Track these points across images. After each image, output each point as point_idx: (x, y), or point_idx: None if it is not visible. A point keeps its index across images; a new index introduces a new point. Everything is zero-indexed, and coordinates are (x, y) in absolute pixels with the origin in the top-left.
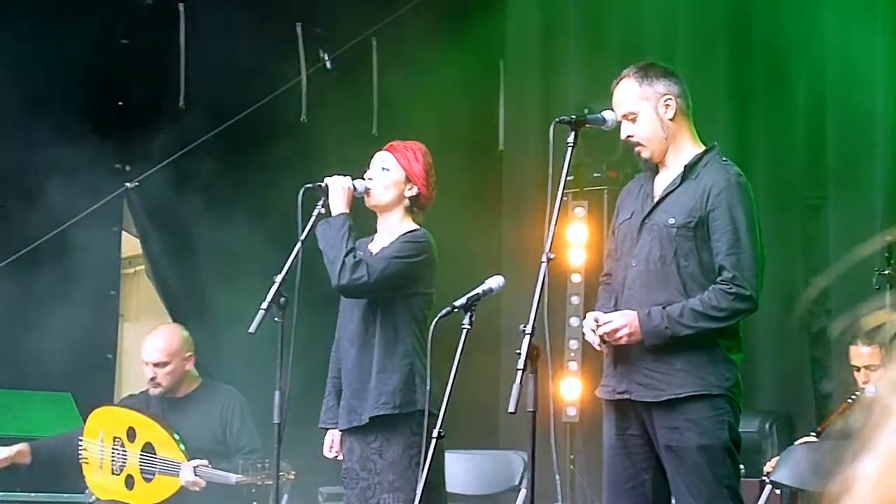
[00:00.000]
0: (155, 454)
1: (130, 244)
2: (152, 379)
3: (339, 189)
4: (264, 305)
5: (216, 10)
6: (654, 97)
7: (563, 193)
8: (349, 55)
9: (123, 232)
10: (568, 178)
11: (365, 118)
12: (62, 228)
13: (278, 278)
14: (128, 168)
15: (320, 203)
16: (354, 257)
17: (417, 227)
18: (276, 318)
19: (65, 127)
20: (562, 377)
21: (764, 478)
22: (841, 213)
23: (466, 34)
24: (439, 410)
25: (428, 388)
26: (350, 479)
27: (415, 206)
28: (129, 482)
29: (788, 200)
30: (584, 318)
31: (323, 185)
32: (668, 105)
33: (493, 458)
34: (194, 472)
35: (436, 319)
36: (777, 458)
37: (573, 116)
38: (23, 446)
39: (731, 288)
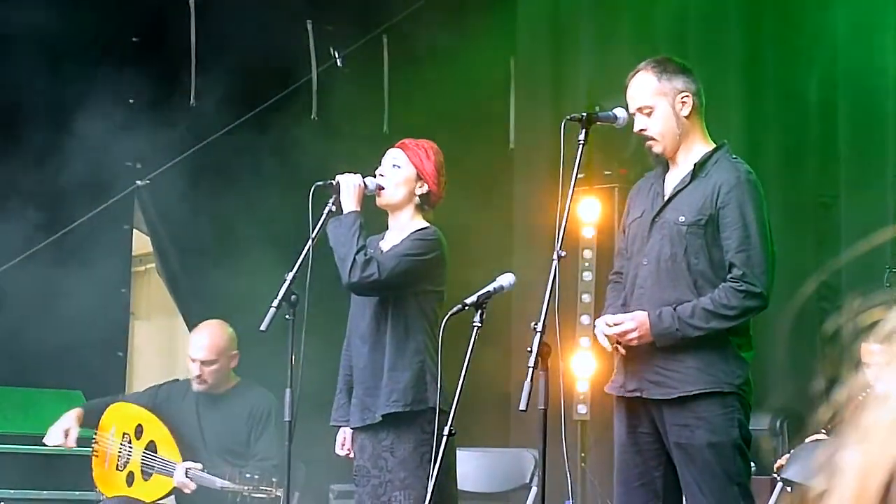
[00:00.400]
0: (156, 453)
1: (141, 242)
2: (198, 376)
3: (350, 187)
4: (275, 303)
5: (227, 8)
6: (671, 93)
7: (573, 191)
8: (360, 53)
9: (134, 230)
10: (579, 176)
11: (376, 116)
12: (73, 226)
13: (289, 276)
14: (139, 166)
15: (331, 201)
16: (365, 255)
17: (428, 224)
18: (287, 316)
19: (75, 125)
20: (572, 375)
21: (775, 475)
22: (853, 210)
23: (477, 31)
24: (450, 408)
25: (439, 385)
26: (361, 477)
27: (425, 204)
28: (130, 479)
29: (800, 198)
30: (596, 316)
31: (334, 182)
32: (684, 102)
33: (504, 456)
34: (186, 473)
35: (447, 317)
36: (788, 455)
37: (584, 114)
38: (77, 411)
39: (741, 286)
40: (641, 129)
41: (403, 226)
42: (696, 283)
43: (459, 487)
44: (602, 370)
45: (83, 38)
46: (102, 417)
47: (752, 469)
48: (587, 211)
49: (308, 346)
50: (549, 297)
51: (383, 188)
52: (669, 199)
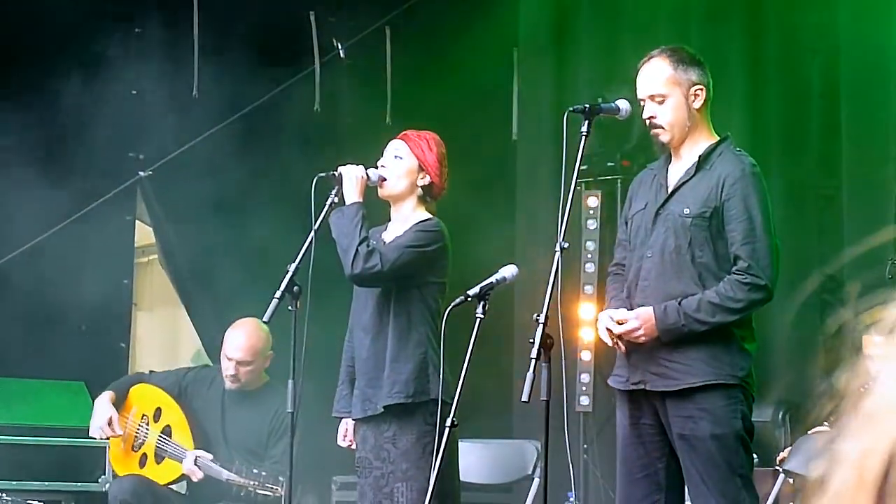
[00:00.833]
0: (170, 437)
1: (144, 233)
2: (233, 375)
3: (352, 178)
4: (278, 294)
5: None
6: (685, 84)
7: (576, 183)
8: (363, 44)
9: (137, 221)
10: (581, 168)
11: (379, 107)
12: (76, 217)
13: (291, 267)
14: (141, 157)
15: (334, 192)
16: (368, 246)
17: (431, 216)
18: (289, 307)
19: (78, 115)
20: (575, 366)
21: (777, 467)
22: (855, 203)
23: (480, 23)
24: (453, 399)
25: (441, 376)
26: (364, 469)
27: (428, 196)
28: (143, 460)
29: (802, 190)
30: (599, 308)
31: (336, 174)
32: (697, 94)
33: (507, 447)
34: (195, 461)
35: (449, 308)
36: (790, 448)
37: (587, 106)
38: (109, 394)
39: (745, 278)
40: (651, 117)
41: (406, 217)
42: (701, 275)
43: (462, 479)
44: (605, 361)
45: (86, 29)
46: (127, 398)
47: (755, 461)
48: (589, 202)
49: (310, 337)
50: (552, 288)
51: (385, 179)
52: (674, 192)
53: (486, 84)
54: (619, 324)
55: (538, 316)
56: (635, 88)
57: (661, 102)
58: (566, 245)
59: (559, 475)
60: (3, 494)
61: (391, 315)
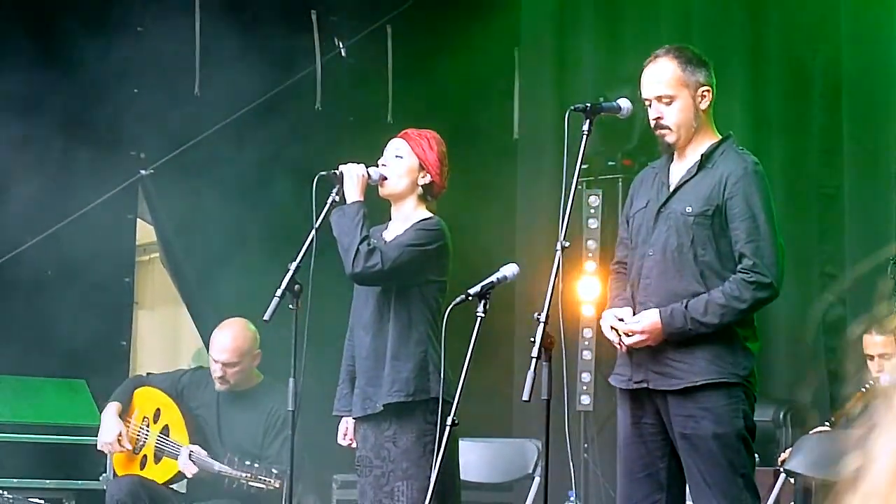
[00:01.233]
0: (168, 436)
1: (145, 231)
2: (220, 377)
3: (353, 177)
4: (279, 293)
5: None
6: (693, 85)
7: (577, 181)
8: (364, 43)
9: (138, 219)
10: (582, 167)
11: (380, 106)
12: (77, 215)
13: (292, 266)
14: (143, 155)
15: (335, 191)
16: (369, 245)
17: (431, 214)
18: (290, 306)
19: (80, 113)
20: (575, 365)
21: (778, 467)
22: (857, 202)
23: (481, 22)
24: (453, 398)
25: (442, 375)
26: (364, 467)
27: (428, 195)
28: (143, 462)
29: (804, 189)
30: (600, 307)
31: (337, 172)
32: (703, 96)
33: (507, 446)
34: (189, 456)
35: (450, 307)
36: (790, 448)
37: (588, 104)
38: (115, 406)
39: (750, 276)
40: (658, 118)
41: (407, 216)
42: (703, 273)
43: (462, 478)
44: (605, 360)
45: (88, 27)
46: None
47: (756, 460)
48: (591, 201)
49: (311, 335)
50: (553, 287)
51: (386, 178)
52: (675, 190)
53: (487, 83)
54: (627, 334)
55: (539, 315)
56: (639, 87)
57: (668, 103)
58: (567, 244)
59: (560, 474)
60: (5, 492)
61: (392, 313)
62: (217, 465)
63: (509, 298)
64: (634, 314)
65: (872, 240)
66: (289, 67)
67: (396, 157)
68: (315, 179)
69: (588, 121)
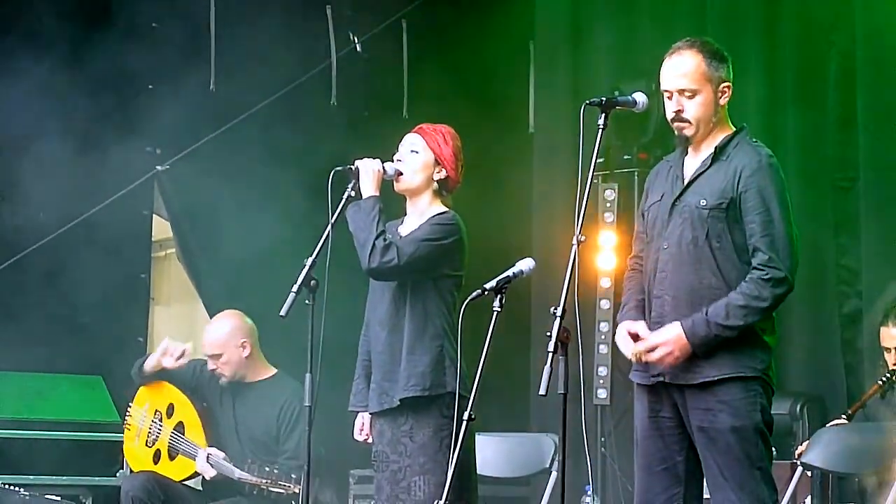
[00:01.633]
0: (183, 434)
1: (161, 227)
2: (213, 369)
3: (369, 172)
4: (295, 288)
5: None
6: (716, 81)
7: (593, 176)
8: (379, 38)
9: (154, 215)
10: (598, 161)
11: (395, 101)
12: (94, 211)
13: (309, 261)
14: (158, 151)
15: (350, 186)
16: (385, 240)
17: (447, 209)
18: (306, 301)
19: (95, 110)
20: (592, 359)
21: (795, 460)
22: (871, 194)
23: (496, 16)
24: (469, 393)
25: (458, 370)
26: (380, 462)
27: (443, 190)
28: (157, 456)
29: (819, 182)
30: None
31: (353, 167)
32: (724, 92)
33: (524, 441)
34: (207, 459)
35: (466, 302)
36: (808, 440)
37: (604, 98)
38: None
39: (767, 274)
40: (678, 111)
41: (422, 211)
42: (719, 265)
43: (479, 472)
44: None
45: (104, 23)
46: (138, 393)
47: (773, 453)
48: (606, 195)
49: (327, 331)
50: (569, 281)
51: (402, 173)
52: (690, 183)
53: (502, 77)
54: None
55: (555, 309)
56: (657, 78)
57: (690, 97)
58: (583, 238)
59: (577, 468)
60: (21, 489)
61: (407, 308)
62: (238, 472)
63: (525, 293)
64: (651, 307)
65: (888, 233)
66: (304, 62)
67: (412, 152)
68: (330, 174)
69: (603, 115)
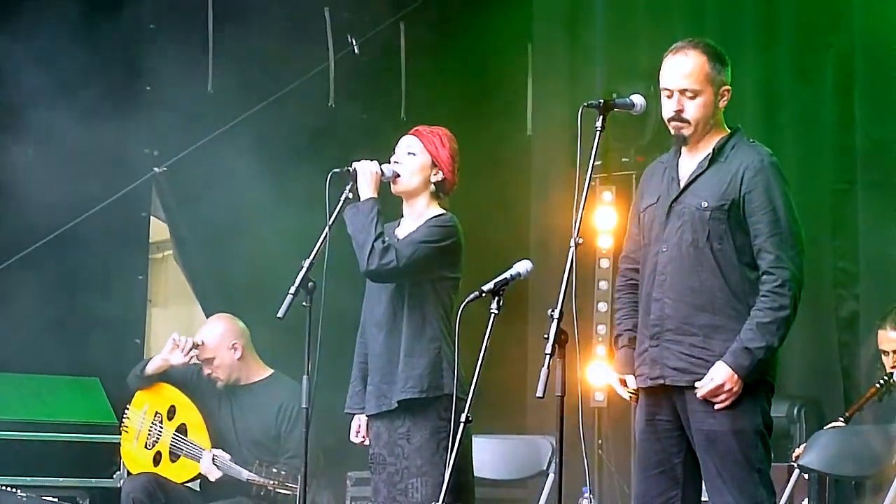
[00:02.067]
0: (186, 436)
1: (159, 229)
2: (208, 373)
3: (367, 174)
4: (292, 290)
5: None
6: (718, 83)
7: (591, 178)
8: (377, 40)
9: (152, 217)
10: (596, 163)
11: (393, 103)
12: (91, 213)
13: (306, 263)
14: (156, 153)
15: (348, 188)
16: (383, 242)
17: (444, 211)
18: (304, 303)
19: (93, 111)
20: (590, 362)
21: (792, 463)
22: (869, 197)
23: (494, 18)
24: (467, 395)
25: (455, 372)
26: (377, 465)
27: (440, 192)
28: (157, 458)
29: (817, 185)
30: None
31: (351, 169)
32: (724, 95)
33: (521, 443)
34: (213, 461)
35: (464, 304)
36: (805, 443)
37: (601, 101)
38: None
39: (776, 278)
40: (678, 111)
41: (419, 213)
42: (720, 267)
43: (476, 474)
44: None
45: (101, 24)
46: (136, 395)
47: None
48: (604, 198)
49: (324, 333)
50: (566, 284)
51: (399, 175)
52: (688, 185)
53: (500, 79)
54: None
55: (553, 311)
56: (656, 80)
57: (691, 97)
58: (581, 240)
59: (574, 471)
60: (19, 490)
61: (405, 310)
62: (246, 474)
63: (523, 295)
64: (650, 310)
65: (886, 235)
66: (302, 64)
67: (409, 154)
68: (328, 176)
69: (601, 117)
